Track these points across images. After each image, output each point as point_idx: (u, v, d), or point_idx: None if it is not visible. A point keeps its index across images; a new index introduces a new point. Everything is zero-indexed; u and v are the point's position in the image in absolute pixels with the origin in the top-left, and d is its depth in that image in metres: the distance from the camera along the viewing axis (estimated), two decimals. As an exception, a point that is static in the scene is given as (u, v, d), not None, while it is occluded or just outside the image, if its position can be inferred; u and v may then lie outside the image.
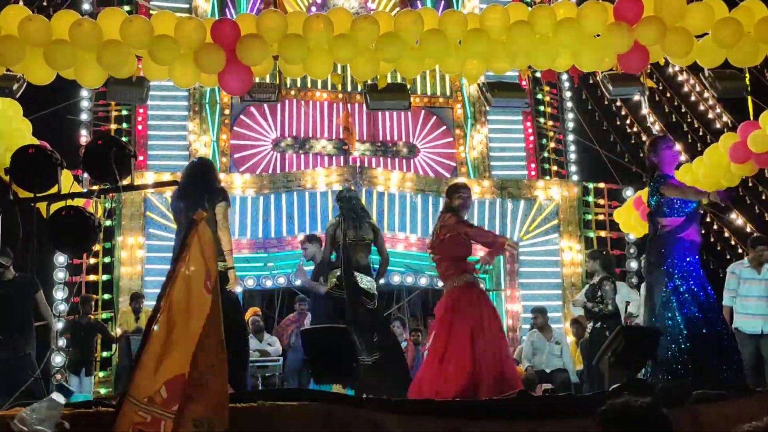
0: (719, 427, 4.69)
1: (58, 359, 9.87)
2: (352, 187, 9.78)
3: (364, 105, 8.42)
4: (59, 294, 10.70)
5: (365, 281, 7.57)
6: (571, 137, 14.03)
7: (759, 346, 7.94)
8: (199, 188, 6.30)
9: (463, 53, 7.43)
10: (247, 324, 8.99)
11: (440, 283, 11.16)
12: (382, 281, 9.99)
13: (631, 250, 12.34)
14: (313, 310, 8.41)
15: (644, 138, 13.95)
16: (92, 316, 10.47)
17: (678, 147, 6.59)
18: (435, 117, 13.70)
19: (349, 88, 13.06)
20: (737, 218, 12.82)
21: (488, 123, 13.64)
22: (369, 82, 7.89)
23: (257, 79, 7.56)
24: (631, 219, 10.81)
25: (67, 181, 5.48)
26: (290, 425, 4.57)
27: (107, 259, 11.57)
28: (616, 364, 5.57)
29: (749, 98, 9.19)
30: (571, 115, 14.17)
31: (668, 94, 13.93)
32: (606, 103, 13.77)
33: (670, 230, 6.19)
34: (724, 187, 9.98)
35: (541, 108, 14.19)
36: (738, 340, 7.49)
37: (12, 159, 4.52)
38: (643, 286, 7.66)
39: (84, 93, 12.26)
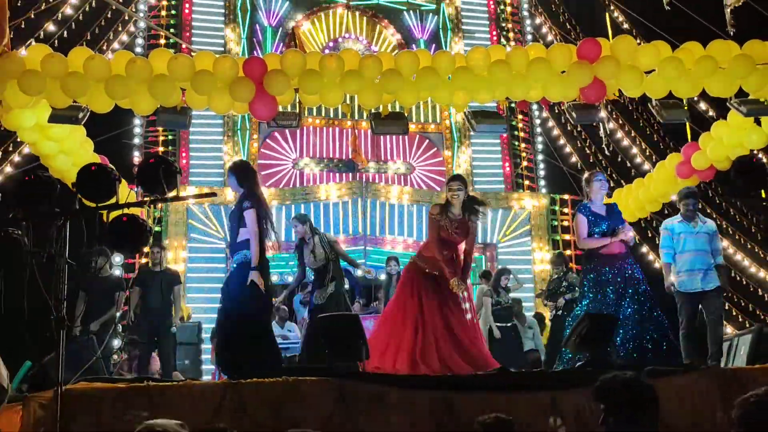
0: (671, 398, 4.67)
1: (116, 342, 9.81)
2: None
3: (370, 130, 8.39)
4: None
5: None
6: (540, 156, 14.09)
7: (701, 302, 6.54)
8: None
9: (451, 87, 7.43)
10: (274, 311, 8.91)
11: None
12: (383, 276, 9.99)
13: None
14: None
15: (600, 157, 13.99)
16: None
17: (604, 181, 6.36)
18: (428, 140, 13.69)
19: (356, 116, 13.06)
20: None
21: (472, 145, 13.65)
22: (373, 110, 7.88)
23: (281, 108, 7.55)
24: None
25: (123, 192, 5.46)
26: (310, 395, 4.57)
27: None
28: (580, 345, 5.51)
29: (687, 124, 9.18)
30: (540, 138, 14.23)
31: (620, 121, 13.95)
32: (569, 128, 13.81)
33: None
34: (668, 199, 9.98)
35: (516, 132, 14.21)
36: (678, 301, 6.60)
37: (78, 175, 4.49)
38: None
39: (136, 121, 12.25)
